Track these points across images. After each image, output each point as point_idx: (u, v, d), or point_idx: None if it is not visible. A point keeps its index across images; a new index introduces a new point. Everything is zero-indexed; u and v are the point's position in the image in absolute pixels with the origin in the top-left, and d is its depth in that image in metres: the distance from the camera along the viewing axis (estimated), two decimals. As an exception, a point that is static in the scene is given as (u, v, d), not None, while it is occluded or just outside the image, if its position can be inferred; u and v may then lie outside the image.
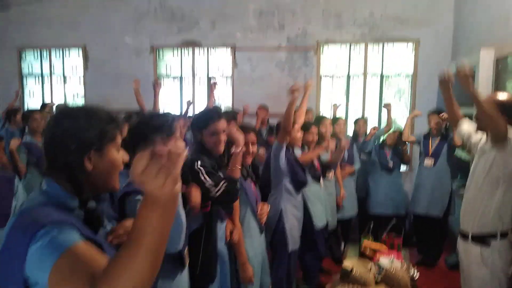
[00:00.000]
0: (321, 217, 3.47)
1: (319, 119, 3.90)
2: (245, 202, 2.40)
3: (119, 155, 1.13)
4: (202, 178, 1.92)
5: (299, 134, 3.13)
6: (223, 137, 2.09)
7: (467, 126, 2.49)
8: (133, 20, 6.09)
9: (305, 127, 3.37)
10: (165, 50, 6.19)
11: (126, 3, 6.08)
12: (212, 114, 2.13)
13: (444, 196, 4.22)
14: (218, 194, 1.90)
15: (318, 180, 3.52)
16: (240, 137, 2.03)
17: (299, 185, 3.08)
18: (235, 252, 2.28)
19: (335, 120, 4.33)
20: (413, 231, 4.67)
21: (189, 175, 1.91)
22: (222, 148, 2.11)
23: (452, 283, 3.46)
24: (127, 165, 2.40)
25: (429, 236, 4.35)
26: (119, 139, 1.14)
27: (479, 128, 2.31)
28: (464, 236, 2.34)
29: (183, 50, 6.14)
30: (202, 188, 1.90)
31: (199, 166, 1.95)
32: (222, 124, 2.09)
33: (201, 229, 1.97)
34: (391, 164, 4.50)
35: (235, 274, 2.31)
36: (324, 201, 3.57)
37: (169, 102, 6.18)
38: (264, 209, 2.51)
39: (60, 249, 0.88)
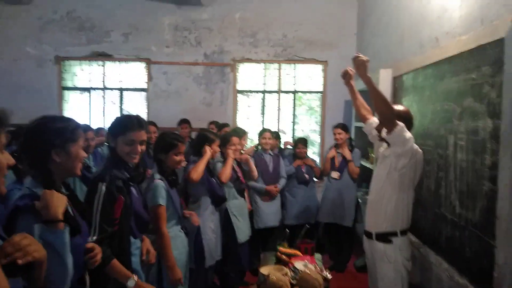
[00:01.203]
0: (245, 232, 3.47)
1: (238, 131, 3.91)
2: (172, 209, 2.40)
3: (2, 157, 1.04)
4: (96, 204, 1.77)
5: (217, 148, 3.11)
6: (140, 149, 1.97)
7: (375, 123, 2.66)
8: (36, 29, 5.65)
9: (225, 139, 3.37)
10: (72, 61, 5.82)
11: (28, 11, 5.63)
12: (132, 121, 1.99)
13: (351, 206, 4.50)
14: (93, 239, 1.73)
15: (242, 194, 3.52)
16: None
17: (218, 201, 3.06)
18: (161, 256, 2.23)
19: (261, 133, 4.43)
20: (324, 238, 4.88)
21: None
22: (137, 159, 2.00)
23: (361, 283, 3.68)
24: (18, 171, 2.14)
25: (339, 243, 4.60)
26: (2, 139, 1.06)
27: (379, 120, 2.51)
28: (369, 236, 2.50)
29: (92, 62, 5.83)
30: (90, 214, 1.75)
31: (102, 189, 1.80)
32: (142, 135, 1.98)
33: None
34: (307, 177, 4.68)
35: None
36: (247, 215, 3.59)
37: (76, 115, 5.79)
38: (194, 215, 2.60)
39: None
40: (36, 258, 1.09)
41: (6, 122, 1.09)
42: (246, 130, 4.47)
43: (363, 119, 2.82)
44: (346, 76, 2.63)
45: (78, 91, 5.93)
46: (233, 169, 3.45)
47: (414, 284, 3.10)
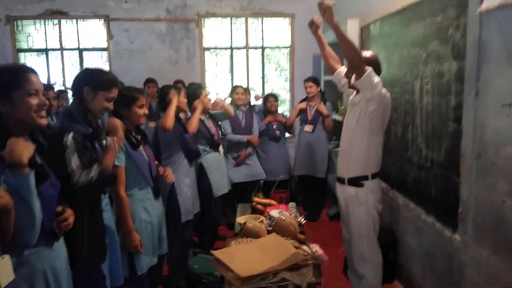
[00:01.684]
0: (221, 186, 3.48)
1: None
2: (135, 172, 2.25)
3: None
4: (69, 155, 1.69)
5: (185, 100, 3.04)
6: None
7: (342, 74, 2.67)
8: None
9: (194, 95, 3.28)
10: (25, 21, 5.44)
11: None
12: (115, 78, 1.96)
13: (323, 158, 4.60)
14: (82, 183, 1.69)
15: (217, 148, 3.48)
16: (118, 125, 1.90)
17: (192, 156, 3.02)
18: (119, 220, 2.15)
19: (233, 88, 4.38)
20: (297, 191, 5.00)
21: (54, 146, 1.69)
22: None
23: (334, 230, 3.83)
24: None
25: (312, 194, 4.74)
26: None
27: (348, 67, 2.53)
28: (341, 182, 2.57)
29: (47, 21, 5.47)
30: (64, 169, 1.67)
31: (69, 140, 1.71)
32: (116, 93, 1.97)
33: (75, 207, 1.76)
34: (278, 133, 4.70)
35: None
36: (223, 169, 3.58)
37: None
38: (168, 171, 2.50)
39: None
40: (2, 204, 1.05)
41: None
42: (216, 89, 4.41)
43: (331, 69, 2.81)
44: (313, 25, 2.58)
45: (35, 53, 5.58)
46: (205, 125, 3.40)
47: (384, 227, 3.25)
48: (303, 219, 2.46)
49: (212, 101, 3.50)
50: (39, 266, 1.41)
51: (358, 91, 2.51)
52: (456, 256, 2.29)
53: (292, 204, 2.90)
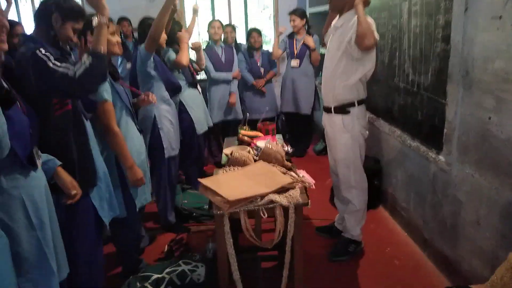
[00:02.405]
0: (202, 123, 3.44)
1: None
2: (120, 104, 2.17)
3: None
4: (51, 64, 1.57)
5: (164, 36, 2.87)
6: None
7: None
8: None
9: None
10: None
11: None
12: (83, 10, 1.83)
13: (309, 94, 4.54)
14: (80, 72, 1.58)
15: (195, 86, 3.40)
16: (103, 5, 1.71)
17: (173, 90, 2.93)
18: (118, 157, 2.10)
19: (210, 23, 4.23)
20: (284, 128, 5.00)
21: (28, 68, 1.58)
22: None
23: (321, 163, 3.88)
24: None
25: (299, 131, 4.74)
26: None
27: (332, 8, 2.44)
28: (328, 111, 2.53)
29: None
30: (54, 78, 1.56)
31: (44, 53, 1.60)
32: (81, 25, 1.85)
33: (64, 133, 1.71)
34: (262, 70, 4.58)
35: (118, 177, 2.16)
36: (203, 106, 3.52)
37: None
38: (149, 94, 2.42)
39: None
40: None
41: None
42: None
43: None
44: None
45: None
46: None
47: (370, 156, 3.29)
48: (289, 148, 2.45)
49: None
50: (16, 194, 1.36)
51: (340, 15, 2.41)
52: (439, 177, 2.33)
53: (279, 136, 2.87)
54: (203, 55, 3.77)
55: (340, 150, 2.50)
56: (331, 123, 2.52)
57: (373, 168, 3.17)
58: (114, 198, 1.99)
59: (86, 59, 1.62)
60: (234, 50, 4.37)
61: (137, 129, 2.33)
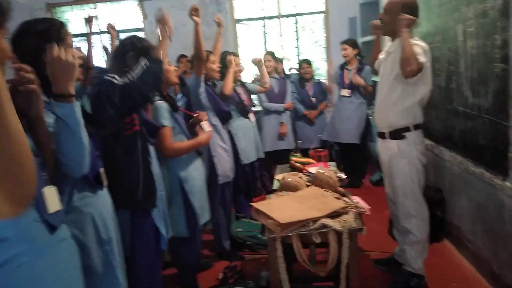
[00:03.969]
0: (249, 153, 3.45)
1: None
2: (179, 130, 2.32)
3: (4, 45, 0.99)
4: (116, 81, 1.72)
5: (215, 65, 3.04)
6: None
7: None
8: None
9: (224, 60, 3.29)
10: (63, 7, 5.64)
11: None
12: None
13: (358, 123, 4.47)
14: (137, 74, 1.71)
15: (246, 115, 3.49)
16: (170, 20, 1.89)
17: (224, 117, 3.04)
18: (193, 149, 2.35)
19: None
20: (338, 158, 4.92)
21: (100, 90, 1.73)
22: None
23: (378, 195, 3.75)
24: None
25: (353, 161, 4.64)
26: (5, 29, 0.99)
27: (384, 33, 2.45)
28: (382, 136, 2.49)
29: (84, 6, 5.65)
30: (119, 93, 1.70)
31: (110, 75, 1.76)
32: None
33: (132, 153, 1.84)
34: (314, 100, 4.63)
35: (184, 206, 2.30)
36: (253, 137, 3.57)
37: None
38: (202, 114, 2.51)
39: None
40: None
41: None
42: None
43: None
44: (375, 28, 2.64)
45: (75, 38, 5.79)
46: (235, 91, 3.39)
47: (430, 185, 3.14)
48: (343, 174, 2.42)
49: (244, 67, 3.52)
50: (87, 211, 1.49)
51: (393, 39, 2.40)
52: (507, 204, 2.17)
53: (332, 163, 2.85)
54: (266, 73, 3.76)
55: (397, 177, 2.42)
56: (386, 149, 2.47)
57: (435, 198, 3.00)
58: (168, 222, 2.08)
59: (142, 63, 1.76)
60: (287, 82, 4.47)
61: (196, 152, 2.44)
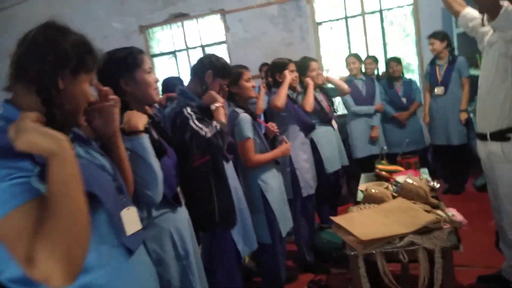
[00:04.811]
0: (334, 161, 3.26)
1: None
2: (259, 140, 2.39)
3: (89, 90, 1.08)
4: (192, 123, 1.83)
5: (295, 73, 2.96)
6: None
7: (470, 14, 2.27)
8: (118, 3, 5.97)
9: (303, 67, 3.19)
10: (155, 28, 6.06)
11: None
12: (232, 70, 2.18)
13: (459, 122, 4.03)
14: (211, 134, 1.81)
15: (328, 123, 3.33)
16: (217, 96, 2.00)
17: (307, 128, 2.97)
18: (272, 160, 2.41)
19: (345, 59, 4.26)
20: (436, 163, 4.50)
21: (176, 121, 1.87)
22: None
23: (482, 203, 3.31)
24: None
25: (453, 164, 4.22)
26: (93, 75, 1.08)
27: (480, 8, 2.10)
28: (483, 138, 2.18)
29: (172, 25, 6.00)
30: (192, 136, 1.82)
31: (189, 112, 1.87)
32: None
33: (204, 178, 1.91)
34: (404, 101, 4.32)
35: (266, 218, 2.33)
36: (337, 144, 3.39)
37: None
38: (272, 125, 2.55)
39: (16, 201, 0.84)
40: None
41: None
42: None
43: (455, 13, 2.40)
44: None
45: (165, 56, 6.19)
46: (316, 99, 3.25)
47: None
48: (436, 184, 2.16)
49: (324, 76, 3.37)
50: (165, 226, 1.54)
51: (494, 29, 2.09)
52: None
53: (423, 170, 2.57)
54: (339, 82, 3.54)
55: (501, 185, 2.10)
56: (488, 153, 2.16)
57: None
58: (252, 233, 2.11)
59: (216, 125, 1.86)
60: (376, 83, 4.22)
61: (274, 162, 2.45)
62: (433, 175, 2.99)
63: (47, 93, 0.95)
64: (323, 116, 3.24)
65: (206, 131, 1.81)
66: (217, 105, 1.95)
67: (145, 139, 1.41)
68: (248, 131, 2.27)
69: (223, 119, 1.94)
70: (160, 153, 1.50)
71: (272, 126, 2.54)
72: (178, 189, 1.65)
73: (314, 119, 3.16)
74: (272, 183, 2.38)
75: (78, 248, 0.86)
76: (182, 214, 1.65)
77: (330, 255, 2.99)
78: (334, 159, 3.26)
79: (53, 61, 0.96)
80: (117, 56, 1.52)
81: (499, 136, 2.07)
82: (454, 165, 4.22)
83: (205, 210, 1.87)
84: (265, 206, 2.33)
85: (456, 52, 4.32)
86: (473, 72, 4.07)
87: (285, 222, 2.42)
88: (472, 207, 3.59)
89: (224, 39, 5.85)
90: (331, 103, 3.46)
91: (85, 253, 0.88)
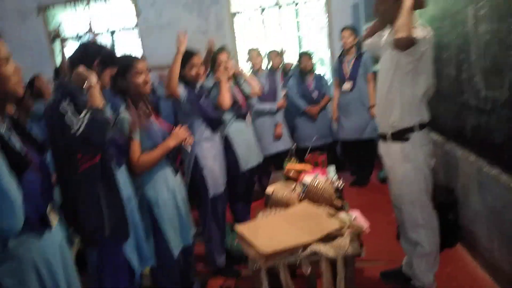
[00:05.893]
0: (248, 158, 3.07)
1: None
2: (150, 144, 2.04)
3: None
4: (67, 120, 1.53)
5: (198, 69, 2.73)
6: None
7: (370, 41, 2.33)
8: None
9: (213, 61, 2.99)
10: (56, 8, 5.45)
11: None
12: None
13: (368, 116, 4.18)
14: (81, 130, 1.50)
15: (243, 118, 3.12)
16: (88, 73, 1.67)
17: (214, 124, 2.74)
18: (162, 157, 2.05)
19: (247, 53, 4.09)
20: (343, 156, 4.64)
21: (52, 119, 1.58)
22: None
23: (386, 194, 3.46)
24: None
25: (360, 158, 4.37)
26: None
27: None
28: (384, 138, 2.23)
29: (77, 4, 5.44)
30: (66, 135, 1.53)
31: (63, 107, 1.56)
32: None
33: (90, 186, 1.63)
34: (315, 95, 4.36)
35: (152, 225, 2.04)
36: (252, 139, 3.26)
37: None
38: (180, 131, 2.15)
39: None
40: None
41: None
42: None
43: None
44: None
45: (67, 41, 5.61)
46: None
47: (441, 185, 2.87)
48: (341, 183, 2.17)
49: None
50: (28, 258, 1.27)
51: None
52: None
53: (331, 168, 2.58)
54: (252, 80, 3.30)
55: (402, 184, 2.16)
56: (388, 153, 2.21)
57: (446, 200, 2.73)
58: (145, 248, 1.87)
59: (83, 116, 1.55)
60: (278, 77, 4.15)
61: (173, 170, 2.18)
62: (341, 169, 3.05)
63: None
64: (237, 110, 3.08)
65: (75, 127, 1.51)
66: (91, 84, 1.63)
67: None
68: (132, 132, 1.96)
69: (98, 102, 1.61)
70: (21, 167, 1.23)
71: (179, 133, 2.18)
72: (49, 208, 1.37)
73: (228, 113, 3.00)
74: (164, 194, 2.07)
75: None
76: (53, 237, 1.37)
77: (242, 255, 2.91)
78: (249, 157, 3.09)
79: None
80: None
81: (399, 136, 2.12)
82: (362, 158, 4.36)
83: (92, 223, 1.61)
84: (154, 224, 2.03)
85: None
86: (376, 68, 4.24)
87: (180, 237, 2.14)
88: (376, 199, 3.78)
89: (135, 24, 5.45)
90: (246, 97, 3.30)
91: None
